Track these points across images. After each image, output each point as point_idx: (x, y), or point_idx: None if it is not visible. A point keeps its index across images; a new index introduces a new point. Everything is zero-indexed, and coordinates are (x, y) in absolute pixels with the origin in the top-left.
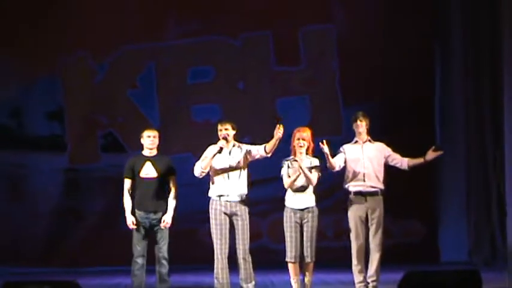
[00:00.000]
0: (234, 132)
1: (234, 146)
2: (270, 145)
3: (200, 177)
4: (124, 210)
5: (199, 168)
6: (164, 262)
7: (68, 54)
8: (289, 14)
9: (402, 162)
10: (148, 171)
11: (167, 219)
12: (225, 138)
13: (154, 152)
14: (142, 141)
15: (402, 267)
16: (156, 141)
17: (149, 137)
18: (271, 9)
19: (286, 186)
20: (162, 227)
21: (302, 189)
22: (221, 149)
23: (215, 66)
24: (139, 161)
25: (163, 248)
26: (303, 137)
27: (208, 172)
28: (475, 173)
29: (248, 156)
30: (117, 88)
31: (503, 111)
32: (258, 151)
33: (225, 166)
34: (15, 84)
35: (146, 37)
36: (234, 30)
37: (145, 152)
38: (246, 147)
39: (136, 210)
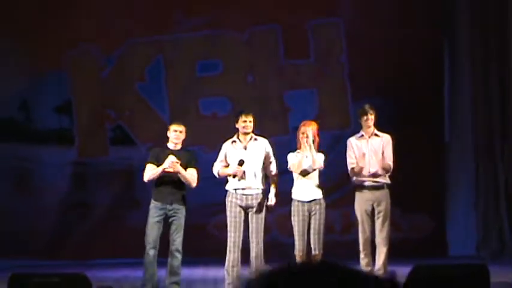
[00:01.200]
0: (252, 125)
1: (251, 139)
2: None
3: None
4: (154, 174)
5: (217, 174)
6: (177, 255)
7: (76, 47)
8: (297, 7)
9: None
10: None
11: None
12: (241, 163)
13: (178, 146)
14: (168, 134)
15: (410, 261)
16: (182, 136)
17: (176, 131)
18: (279, 3)
19: (293, 169)
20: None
21: (308, 172)
22: (235, 176)
23: (224, 60)
24: (163, 152)
25: (177, 240)
26: (307, 130)
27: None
28: (483, 167)
29: (264, 157)
30: (126, 81)
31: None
32: (269, 169)
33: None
34: (24, 77)
35: (154, 30)
36: (243, 23)
37: (170, 145)
38: (265, 144)
39: (153, 201)
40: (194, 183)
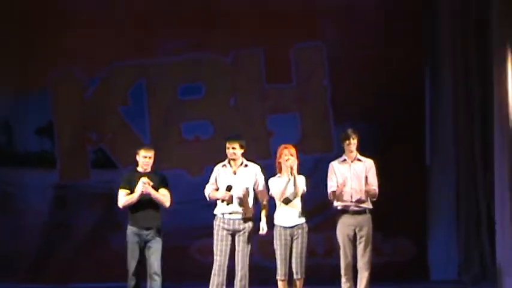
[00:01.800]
0: (241, 151)
1: (241, 165)
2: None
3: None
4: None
5: (207, 196)
6: (156, 277)
7: (59, 68)
8: (280, 31)
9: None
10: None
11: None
12: (229, 189)
13: (148, 169)
14: (137, 158)
15: (392, 285)
16: (151, 161)
17: (145, 157)
18: (262, 26)
19: (276, 197)
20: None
21: (290, 201)
22: (223, 201)
23: (206, 83)
24: (133, 176)
25: (155, 263)
26: (291, 153)
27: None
28: (465, 192)
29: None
30: (108, 104)
31: (494, 131)
32: (259, 195)
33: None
34: (5, 99)
35: (137, 53)
36: (225, 46)
37: (139, 169)
38: (255, 170)
39: (129, 226)
40: (167, 203)
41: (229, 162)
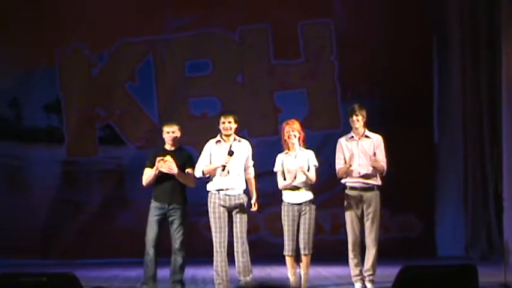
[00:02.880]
0: (235, 125)
1: (234, 140)
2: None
3: (200, 177)
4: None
5: (200, 173)
6: (180, 253)
7: (66, 45)
8: (288, 7)
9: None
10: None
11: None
12: (230, 154)
13: (174, 146)
14: (163, 135)
15: (399, 261)
16: (176, 135)
17: (168, 132)
18: (270, 2)
19: (280, 187)
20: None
21: (300, 187)
22: (224, 167)
23: (213, 59)
24: (158, 154)
25: (179, 239)
26: (293, 128)
27: None
28: (473, 168)
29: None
30: (116, 80)
31: (501, 107)
32: (248, 171)
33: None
34: (13, 75)
35: (145, 30)
36: (233, 23)
37: (167, 146)
38: (248, 146)
39: (152, 201)
40: (192, 184)
41: (221, 138)
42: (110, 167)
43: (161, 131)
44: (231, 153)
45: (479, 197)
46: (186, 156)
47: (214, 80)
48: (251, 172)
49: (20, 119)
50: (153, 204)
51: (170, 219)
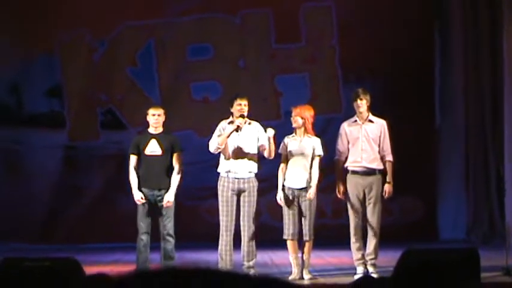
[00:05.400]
0: (247, 109)
1: (245, 122)
2: (268, 149)
3: (215, 153)
4: (130, 187)
5: (216, 144)
6: (169, 238)
7: (67, 30)
8: None
9: (383, 156)
10: (154, 148)
11: (169, 197)
12: (243, 116)
13: (159, 130)
14: (148, 118)
15: (401, 245)
16: (161, 119)
17: (154, 115)
18: None
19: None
20: (165, 206)
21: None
22: (238, 127)
23: (214, 44)
24: (144, 138)
25: (168, 224)
26: (296, 113)
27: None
28: (474, 151)
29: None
30: (117, 65)
31: (503, 90)
32: (262, 148)
33: (235, 143)
34: (14, 61)
35: (146, 14)
36: (234, 7)
37: (151, 130)
38: (258, 127)
39: (141, 187)
40: (180, 170)
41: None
42: (111, 151)
43: (146, 114)
44: (242, 116)
45: (481, 180)
46: (172, 139)
47: (215, 64)
48: (266, 151)
49: (21, 104)
50: (142, 190)
51: (159, 204)
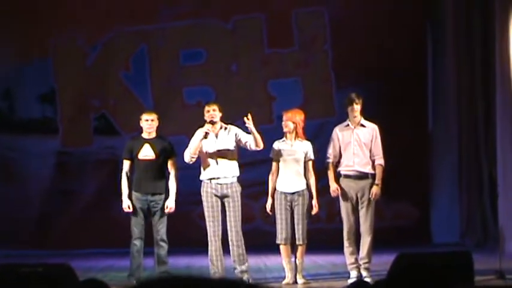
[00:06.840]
0: (220, 114)
1: (221, 128)
2: (253, 141)
3: (191, 162)
4: (121, 192)
5: (189, 155)
6: (163, 244)
7: (60, 35)
8: None
9: (374, 160)
10: (147, 153)
11: (170, 204)
12: (212, 122)
13: (153, 135)
14: (141, 123)
15: (394, 249)
16: (155, 124)
17: (147, 120)
18: None
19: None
20: (167, 213)
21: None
22: (207, 133)
23: (207, 49)
24: (138, 143)
25: (161, 230)
26: (287, 117)
27: (199, 156)
28: (467, 155)
29: (238, 141)
30: (110, 70)
31: (496, 93)
32: (248, 144)
33: (212, 149)
34: (7, 66)
35: (139, 19)
36: (226, 12)
37: (144, 135)
38: (235, 130)
39: (133, 192)
40: (176, 175)
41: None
42: (104, 156)
43: (139, 120)
44: (211, 122)
45: (473, 184)
46: (166, 143)
47: (208, 69)
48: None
49: (14, 110)
50: (135, 195)
51: (153, 210)
